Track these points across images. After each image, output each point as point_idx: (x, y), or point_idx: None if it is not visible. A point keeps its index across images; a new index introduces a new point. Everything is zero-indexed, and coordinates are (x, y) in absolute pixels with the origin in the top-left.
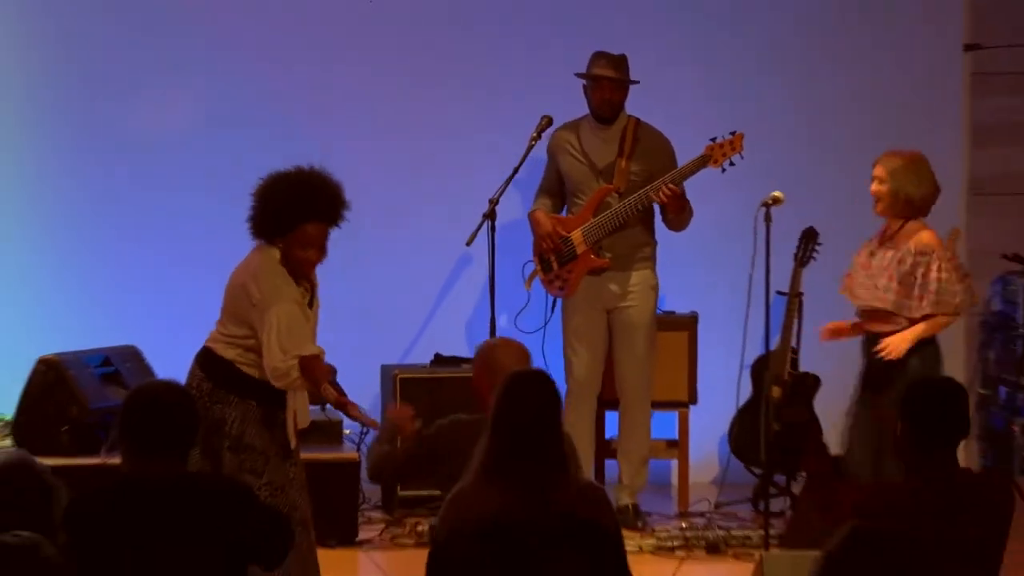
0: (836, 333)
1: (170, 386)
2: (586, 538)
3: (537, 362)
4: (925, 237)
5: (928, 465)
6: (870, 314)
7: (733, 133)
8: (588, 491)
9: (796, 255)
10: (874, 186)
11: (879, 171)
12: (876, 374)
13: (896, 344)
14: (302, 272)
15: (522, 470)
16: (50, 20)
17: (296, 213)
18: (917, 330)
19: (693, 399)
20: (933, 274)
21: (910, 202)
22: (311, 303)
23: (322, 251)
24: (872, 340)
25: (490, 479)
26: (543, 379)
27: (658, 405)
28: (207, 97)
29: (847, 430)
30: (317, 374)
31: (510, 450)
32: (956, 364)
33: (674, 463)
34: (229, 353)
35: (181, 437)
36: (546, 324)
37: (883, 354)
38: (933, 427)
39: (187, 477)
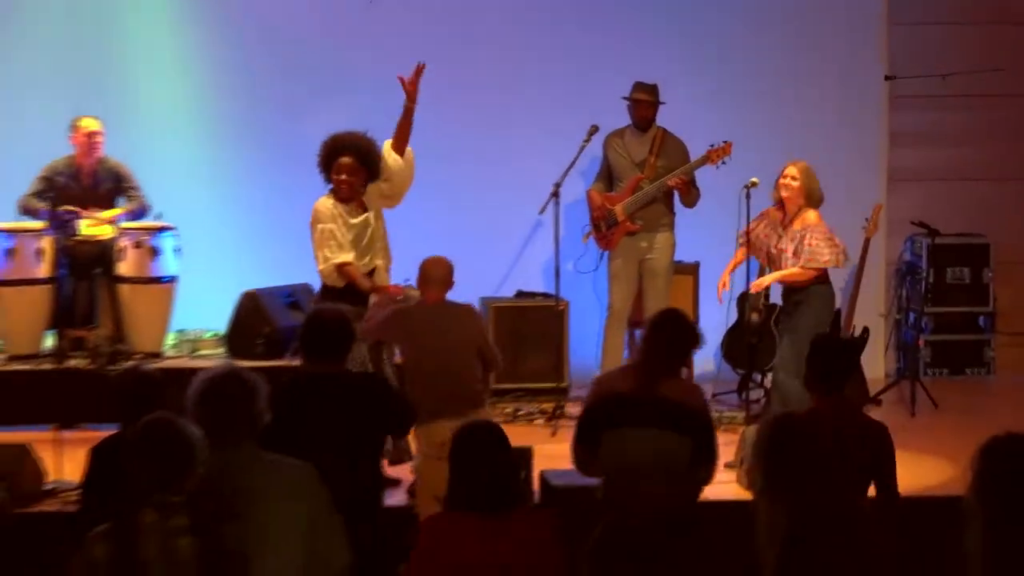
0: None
1: (334, 311)
2: (692, 421)
3: (588, 296)
4: (810, 217)
5: (828, 395)
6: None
7: (725, 142)
8: (696, 390)
9: None
10: (788, 181)
11: (794, 172)
12: (787, 309)
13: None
14: (343, 194)
15: (658, 372)
16: (244, 62)
17: (333, 150)
18: (789, 273)
19: (696, 321)
20: (807, 242)
21: (811, 195)
22: (365, 222)
23: (352, 176)
24: (786, 291)
25: (635, 371)
26: (683, 318)
27: None
28: (349, 105)
29: (728, 338)
30: (352, 274)
31: (662, 357)
32: (880, 298)
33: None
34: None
35: (341, 345)
36: (596, 268)
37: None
38: (832, 374)
39: (346, 373)
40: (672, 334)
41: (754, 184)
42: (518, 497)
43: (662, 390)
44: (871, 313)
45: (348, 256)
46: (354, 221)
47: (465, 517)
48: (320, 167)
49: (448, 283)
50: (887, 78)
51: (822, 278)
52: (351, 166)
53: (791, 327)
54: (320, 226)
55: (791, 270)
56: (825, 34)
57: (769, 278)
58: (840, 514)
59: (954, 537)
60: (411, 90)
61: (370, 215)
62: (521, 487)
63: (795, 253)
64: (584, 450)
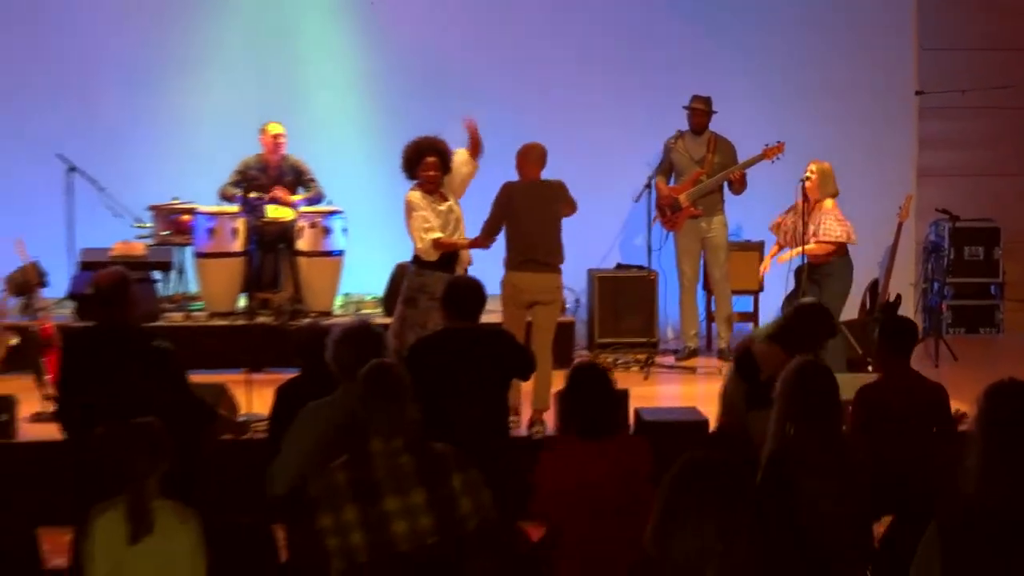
0: (764, 267)
1: (471, 279)
2: (751, 374)
3: (658, 267)
4: (827, 204)
5: (893, 366)
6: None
7: (778, 142)
8: (776, 358)
9: None
10: (809, 175)
11: (812, 168)
12: (810, 274)
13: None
14: (430, 188)
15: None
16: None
17: (421, 152)
18: (810, 248)
19: (760, 288)
20: (823, 223)
21: (825, 187)
22: (449, 208)
23: (436, 172)
24: (812, 266)
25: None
26: (822, 311)
27: (741, 292)
28: (482, 106)
29: (786, 303)
30: (448, 243)
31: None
32: (910, 271)
33: (750, 325)
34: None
35: (477, 306)
36: (662, 247)
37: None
38: (897, 345)
39: (480, 328)
40: (800, 323)
41: (807, 179)
42: (620, 425)
43: (755, 349)
44: (903, 283)
45: (440, 232)
46: (440, 208)
47: (578, 442)
48: (405, 165)
49: (542, 163)
50: (917, 93)
51: (842, 252)
52: (435, 164)
53: (823, 293)
54: (415, 213)
55: (810, 246)
56: (866, 57)
57: (794, 252)
58: (822, 450)
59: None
60: (474, 139)
61: (451, 203)
62: (622, 417)
63: (815, 233)
64: None
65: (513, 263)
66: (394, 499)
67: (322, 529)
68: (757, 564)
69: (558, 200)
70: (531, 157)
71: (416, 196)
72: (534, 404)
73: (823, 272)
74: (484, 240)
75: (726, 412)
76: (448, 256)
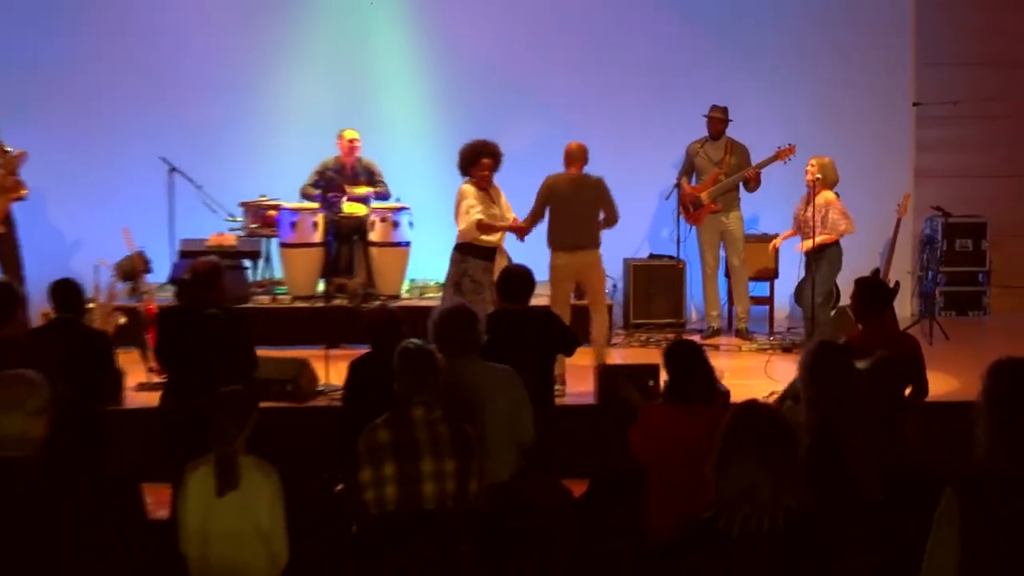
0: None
1: (522, 266)
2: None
3: (684, 256)
4: (829, 196)
5: (871, 319)
6: (805, 236)
7: (790, 144)
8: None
9: None
10: (809, 169)
11: (813, 163)
12: (812, 260)
13: (820, 241)
14: (483, 185)
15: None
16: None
17: (477, 154)
18: (822, 239)
19: (776, 275)
20: (830, 216)
21: (826, 181)
22: (495, 201)
23: (489, 172)
24: (810, 251)
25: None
26: (876, 282)
27: (758, 277)
28: (538, 113)
29: (797, 288)
30: (487, 226)
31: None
32: (908, 260)
33: (766, 308)
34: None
35: (527, 290)
36: (686, 239)
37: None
38: (875, 299)
39: (531, 308)
40: (866, 292)
41: (818, 179)
42: (714, 392)
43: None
44: (901, 272)
45: (481, 216)
46: (490, 213)
47: (676, 407)
48: (461, 164)
49: (584, 160)
50: (915, 104)
51: (835, 240)
52: (490, 165)
53: (819, 274)
54: (465, 201)
55: (823, 236)
56: (869, 71)
57: (812, 242)
58: (855, 418)
59: (963, 431)
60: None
61: (497, 212)
62: (717, 385)
63: (821, 222)
64: None
65: (555, 244)
66: (430, 461)
67: (361, 483)
68: (807, 494)
69: (596, 194)
70: (575, 154)
71: (470, 189)
72: (594, 359)
73: (818, 256)
74: (526, 225)
75: (783, 396)
76: (488, 248)
